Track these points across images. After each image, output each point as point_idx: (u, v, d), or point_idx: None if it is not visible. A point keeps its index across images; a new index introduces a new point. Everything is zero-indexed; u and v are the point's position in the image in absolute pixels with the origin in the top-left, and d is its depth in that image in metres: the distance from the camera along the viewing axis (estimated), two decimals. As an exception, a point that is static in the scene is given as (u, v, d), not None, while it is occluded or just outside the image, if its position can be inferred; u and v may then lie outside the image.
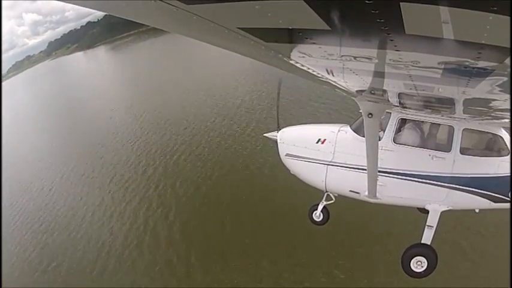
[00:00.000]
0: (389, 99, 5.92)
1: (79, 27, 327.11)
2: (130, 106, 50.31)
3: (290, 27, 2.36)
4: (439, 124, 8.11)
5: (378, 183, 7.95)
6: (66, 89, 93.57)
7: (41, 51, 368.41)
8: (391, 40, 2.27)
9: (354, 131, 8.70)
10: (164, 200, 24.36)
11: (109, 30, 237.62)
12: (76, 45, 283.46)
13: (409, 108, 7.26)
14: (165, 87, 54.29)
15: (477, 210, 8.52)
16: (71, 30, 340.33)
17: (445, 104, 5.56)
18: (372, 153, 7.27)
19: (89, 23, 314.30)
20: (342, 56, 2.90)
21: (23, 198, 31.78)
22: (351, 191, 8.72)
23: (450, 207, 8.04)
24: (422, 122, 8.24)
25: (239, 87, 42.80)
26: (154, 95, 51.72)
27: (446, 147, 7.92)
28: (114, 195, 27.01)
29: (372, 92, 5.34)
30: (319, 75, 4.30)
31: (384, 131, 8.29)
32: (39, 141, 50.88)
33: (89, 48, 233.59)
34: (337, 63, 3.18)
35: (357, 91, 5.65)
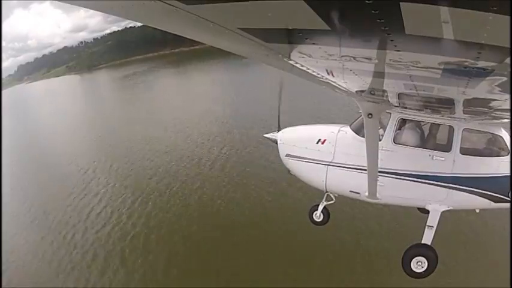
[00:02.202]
0: (389, 99, 5.92)
1: (55, 51, 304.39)
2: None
3: (290, 28, 2.36)
4: (439, 124, 8.12)
5: (378, 183, 7.95)
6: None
7: (9, 75, 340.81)
8: (391, 40, 2.27)
9: (354, 131, 8.70)
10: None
11: (116, 51, 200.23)
12: (65, 66, 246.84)
13: (409, 108, 7.26)
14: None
15: (477, 210, 8.51)
16: (45, 54, 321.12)
17: (445, 104, 5.57)
18: (372, 153, 7.27)
19: (65, 47, 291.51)
20: (342, 56, 2.90)
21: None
22: (351, 191, 8.71)
23: (450, 207, 8.03)
24: (422, 122, 8.24)
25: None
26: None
27: (446, 147, 7.92)
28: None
29: (372, 92, 5.34)
30: (319, 76, 4.30)
31: (384, 131, 8.29)
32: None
33: (89, 72, 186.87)
34: (337, 63, 3.18)
35: (356, 91, 5.65)
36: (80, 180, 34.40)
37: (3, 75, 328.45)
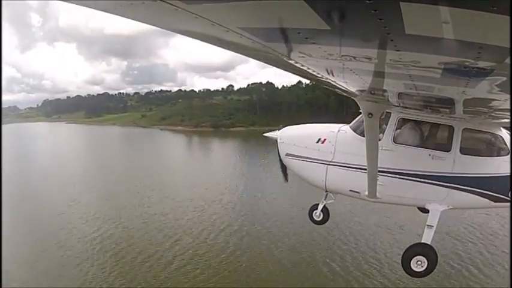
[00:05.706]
0: (390, 99, 5.93)
1: (95, 95, 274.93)
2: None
3: (290, 27, 2.36)
4: (439, 124, 8.11)
5: (378, 182, 7.95)
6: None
7: (30, 107, 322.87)
8: (391, 40, 2.27)
9: (354, 130, 8.69)
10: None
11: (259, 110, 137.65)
12: (140, 115, 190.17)
13: (409, 108, 7.25)
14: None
15: (477, 210, 8.51)
16: (77, 95, 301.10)
17: (445, 104, 5.57)
18: (372, 153, 7.26)
19: (105, 93, 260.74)
20: (342, 56, 2.90)
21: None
22: (351, 190, 8.71)
23: (450, 207, 8.04)
24: (422, 122, 8.24)
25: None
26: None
27: (446, 147, 7.92)
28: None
29: (372, 92, 5.34)
30: (319, 76, 4.30)
31: (384, 131, 8.29)
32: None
33: (217, 131, 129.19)
34: (337, 63, 3.19)
35: (357, 91, 5.65)
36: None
37: (21, 107, 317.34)
